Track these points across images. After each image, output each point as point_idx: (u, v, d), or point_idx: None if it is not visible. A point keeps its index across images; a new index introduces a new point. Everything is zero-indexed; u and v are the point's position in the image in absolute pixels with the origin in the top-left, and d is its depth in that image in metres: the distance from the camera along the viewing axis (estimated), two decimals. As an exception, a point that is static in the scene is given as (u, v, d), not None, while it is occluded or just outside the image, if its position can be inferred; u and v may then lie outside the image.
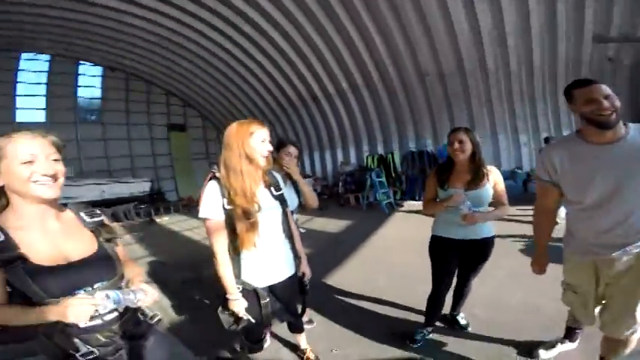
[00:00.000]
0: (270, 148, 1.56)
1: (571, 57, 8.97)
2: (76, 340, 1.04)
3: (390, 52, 9.51)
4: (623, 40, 8.53)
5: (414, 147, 10.42)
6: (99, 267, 1.11)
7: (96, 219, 1.21)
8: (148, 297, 1.12)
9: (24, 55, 12.64)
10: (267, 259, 1.61)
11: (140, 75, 14.51)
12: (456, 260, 2.22)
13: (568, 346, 2.06)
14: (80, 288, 1.03)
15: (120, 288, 1.11)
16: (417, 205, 8.44)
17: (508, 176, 9.07)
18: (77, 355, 1.03)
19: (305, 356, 2.22)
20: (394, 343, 2.35)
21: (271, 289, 1.66)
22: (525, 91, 9.49)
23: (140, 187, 12.78)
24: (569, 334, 2.07)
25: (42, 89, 13.15)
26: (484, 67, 9.10)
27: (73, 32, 10.93)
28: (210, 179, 1.52)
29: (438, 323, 2.46)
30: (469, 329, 2.43)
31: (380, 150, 11.46)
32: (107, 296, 0.99)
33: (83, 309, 0.96)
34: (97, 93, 14.44)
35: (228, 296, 1.53)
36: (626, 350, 1.58)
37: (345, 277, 3.79)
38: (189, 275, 4.23)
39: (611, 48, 8.87)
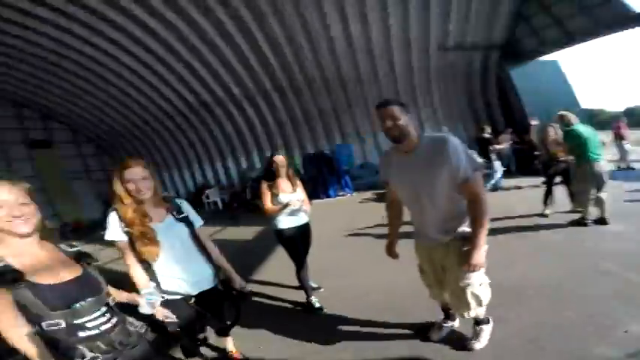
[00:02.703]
0: (146, 185, 1.74)
1: (422, 65, 11.00)
2: (81, 347, 1.18)
3: (279, 59, 10.06)
4: (459, 49, 10.90)
5: (312, 149, 11.29)
6: (86, 285, 1.27)
7: (74, 249, 1.37)
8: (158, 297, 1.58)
9: None
10: (182, 273, 1.82)
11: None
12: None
13: (451, 324, 2.27)
14: (76, 302, 1.19)
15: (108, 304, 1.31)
16: (321, 203, 9.17)
17: (361, 167, 11.23)
18: None
19: (233, 358, 2.46)
20: (311, 335, 2.61)
21: (197, 298, 1.88)
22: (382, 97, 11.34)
23: None
24: (447, 314, 2.26)
25: None
26: (357, 76, 10.61)
27: None
28: (112, 210, 1.76)
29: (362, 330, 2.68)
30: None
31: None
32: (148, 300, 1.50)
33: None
34: None
35: (142, 292, 1.66)
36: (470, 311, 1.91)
37: (262, 281, 4.00)
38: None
39: (450, 55, 11.12)
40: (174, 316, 1.80)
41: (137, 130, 13.40)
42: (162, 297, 1.74)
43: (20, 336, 1.14)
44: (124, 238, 1.71)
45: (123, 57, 9.94)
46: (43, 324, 1.16)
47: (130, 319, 1.42)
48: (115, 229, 1.72)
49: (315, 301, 3.12)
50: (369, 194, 9.03)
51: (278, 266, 4.44)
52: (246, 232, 7.16)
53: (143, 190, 1.73)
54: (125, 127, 13.42)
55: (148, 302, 1.56)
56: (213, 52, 9.85)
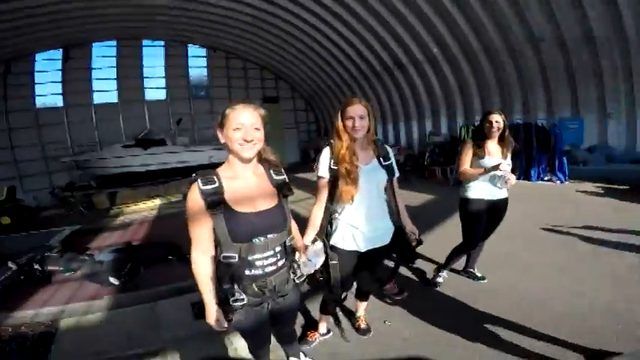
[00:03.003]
0: (362, 123, 1.72)
1: None
2: (236, 287, 1.24)
3: (490, 12, 8.32)
4: None
5: (520, 119, 9.20)
6: (275, 219, 1.30)
7: (280, 177, 1.38)
8: (320, 260, 1.41)
9: (144, 43, 14.68)
10: (365, 223, 1.78)
11: (237, 53, 15.73)
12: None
13: None
14: (257, 236, 1.24)
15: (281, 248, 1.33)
16: (516, 183, 7.52)
17: (589, 150, 7.60)
18: (231, 299, 1.24)
19: (357, 323, 2.37)
20: (444, 325, 2.35)
21: (360, 255, 1.84)
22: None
23: None
24: None
25: (161, 71, 15.35)
26: (621, 34, 7.15)
27: (180, 19, 12.33)
28: (326, 146, 1.84)
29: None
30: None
31: (477, 121, 10.44)
32: (309, 260, 1.40)
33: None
34: (205, 72, 16.27)
35: (309, 249, 1.58)
36: None
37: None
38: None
39: None
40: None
41: (337, 90, 14.88)
42: (333, 248, 1.77)
43: (203, 260, 1.25)
44: (327, 175, 1.78)
45: (335, 23, 11.02)
46: (222, 255, 1.23)
47: (295, 265, 1.41)
48: (323, 165, 1.80)
49: (440, 277, 2.93)
50: (589, 186, 6.71)
51: (433, 239, 4.06)
52: (414, 197, 6.80)
53: (358, 128, 1.73)
54: (329, 86, 15.18)
55: (310, 263, 1.46)
56: (413, 11, 9.35)
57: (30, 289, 3.65)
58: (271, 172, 1.38)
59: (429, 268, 3.28)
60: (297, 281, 1.41)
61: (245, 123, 1.25)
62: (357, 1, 9.73)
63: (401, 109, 13.01)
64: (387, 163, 1.83)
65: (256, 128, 1.28)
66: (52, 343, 2.56)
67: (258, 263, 1.26)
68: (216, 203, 1.19)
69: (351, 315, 2.50)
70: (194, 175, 1.24)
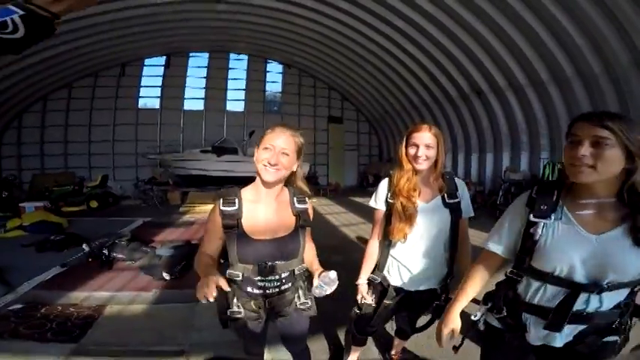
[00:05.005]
0: (427, 153, 1.54)
1: None
2: (235, 300, 1.31)
3: (589, 37, 7.33)
4: None
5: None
6: (287, 248, 1.32)
7: (302, 206, 1.39)
8: (332, 288, 1.30)
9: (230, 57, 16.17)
10: (415, 261, 1.63)
11: (308, 71, 16.41)
12: None
13: None
14: (264, 260, 1.27)
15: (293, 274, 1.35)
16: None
17: None
18: (229, 311, 1.30)
19: None
20: None
21: (407, 295, 1.70)
22: None
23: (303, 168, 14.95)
24: None
25: (242, 84, 16.64)
26: None
27: (262, 35, 13.33)
28: (386, 176, 1.72)
29: None
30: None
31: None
32: (320, 286, 1.29)
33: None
34: (279, 87, 17.27)
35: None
36: None
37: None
38: (336, 258, 4.34)
39: None
40: (371, 300, 1.73)
41: (405, 114, 14.43)
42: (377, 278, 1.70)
43: (209, 263, 1.28)
44: (383, 208, 1.67)
45: (406, 44, 10.81)
46: (227, 272, 1.29)
47: (301, 292, 1.41)
48: (380, 197, 1.69)
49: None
50: None
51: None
52: (481, 238, 6.07)
53: (421, 158, 1.55)
54: (396, 110, 14.79)
55: (320, 288, 1.33)
56: (496, 35, 8.72)
57: (92, 272, 3.92)
58: (295, 199, 1.38)
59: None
60: (301, 307, 1.40)
61: (275, 145, 1.25)
62: (431, 22, 9.44)
63: (475, 140, 12.02)
64: (452, 201, 1.60)
65: (285, 153, 1.26)
66: (90, 328, 2.65)
67: (260, 284, 1.30)
68: (231, 227, 1.25)
69: (387, 349, 2.35)
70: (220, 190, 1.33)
